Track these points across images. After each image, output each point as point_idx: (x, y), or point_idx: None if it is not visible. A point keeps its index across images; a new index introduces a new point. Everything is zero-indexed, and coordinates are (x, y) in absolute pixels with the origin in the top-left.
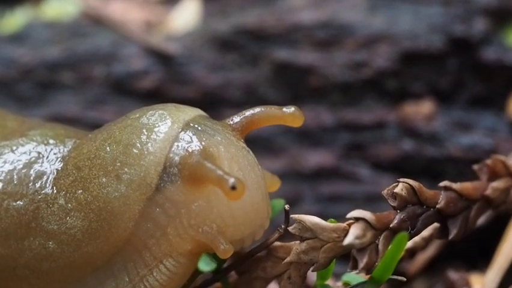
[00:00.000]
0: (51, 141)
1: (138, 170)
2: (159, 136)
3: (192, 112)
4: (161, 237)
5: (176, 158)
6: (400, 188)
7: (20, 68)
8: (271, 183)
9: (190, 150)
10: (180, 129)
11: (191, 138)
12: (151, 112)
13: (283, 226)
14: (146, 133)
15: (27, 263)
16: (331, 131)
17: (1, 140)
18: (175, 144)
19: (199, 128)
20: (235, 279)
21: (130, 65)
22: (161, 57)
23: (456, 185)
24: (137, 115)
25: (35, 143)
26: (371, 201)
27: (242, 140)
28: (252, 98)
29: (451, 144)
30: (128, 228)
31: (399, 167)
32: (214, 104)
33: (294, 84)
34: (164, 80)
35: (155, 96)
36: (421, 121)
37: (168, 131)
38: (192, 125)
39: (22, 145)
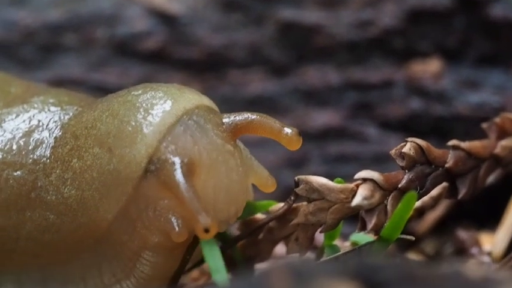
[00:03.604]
0: (52, 108)
1: (129, 148)
2: (155, 120)
3: (194, 100)
4: (133, 232)
5: (157, 157)
6: (408, 147)
7: (22, 30)
8: (266, 184)
9: (173, 155)
10: (176, 120)
11: (179, 138)
12: (152, 93)
13: (292, 198)
14: (143, 113)
15: (29, 235)
16: (338, 90)
17: (3, 107)
18: (165, 138)
19: (191, 126)
20: (242, 243)
21: (133, 26)
22: (165, 18)
23: (464, 144)
24: (139, 92)
25: (36, 111)
26: (379, 161)
27: (231, 143)
28: (256, 59)
29: (459, 102)
30: (121, 201)
31: (407, 126)
32: (219, 65)
33: (299, 44)
34: (168, 41)
35: (158, 58)
36: (429, 80)
37: (166, 116)
38: (186, 118)
39: (23, 113)
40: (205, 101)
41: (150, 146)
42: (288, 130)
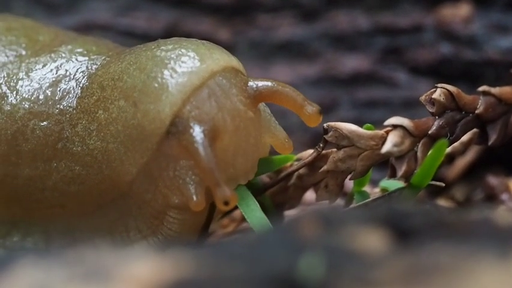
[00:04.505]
0: (80, 58)
1: (154, 104)
2: (181, 79)
3: (222, 61)
4: (155, 191)
5: (179, 120)
6: (438, 93)
7: None
8: (282, 147)
9: (196, 121)
10: (203, 82)
11: (204, 103)
12: (182, 50)
13: (321, 145)
14: (170, 71)
15: (55, 185)
16: (367, 35)
17: (31, 56)
18: (189, 100)
19: (216, 91)
20: (271, 190)
21: None
22: None
23: (495, 90)
24: (169, 47)
25: (63, 60)
26: (409, 106)
27: (253, 109)
28: (286, 3)
29: (490, 47)
30: (146, 156)
31: (436, 71)
32: (248, 9)
33: None
34: None
35: (187, 2)
36: (459, 24)
37: (192, 78)
38: (212, 81)
39: (50, 62)
40: (234, 62)
41: (175, 104)
42: (310, 108)
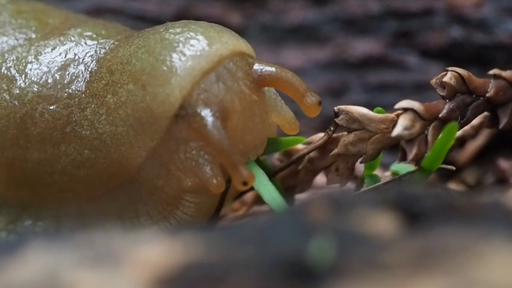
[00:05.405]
0: (89, 42)
1: (163, 87)
2: (190, 63)
3: (231, 45)
4: (167, 176)
5: (188, 103)
6: (449, 77)
7: None
8: (289, 127)
9: (206, 104)
10: (212, 65)
11: (212, 85)
12: (190, 33)
13: (332, 128)
14: (179, 54)
15: (64, 169)
16: (378, 18)
17: (40, 39)
18: (198, 84)
19: (224, 74)
20: (282, 173)
21: None
22: None
23: (506, 73)
24: (178, 30)
25: (72, 44)
26: (419, 89)
27: (257, 93)
28: None
29: (500, 30)
30: (155, 139)
31: (447, 55)
32: None
33: None
34: None
35: None
36: (470, 7)
37: (201, 61)
38: (221, 65)
39: (59, 45)
40: (242, 45)
41: (184, 88)
42: (310, 98)
